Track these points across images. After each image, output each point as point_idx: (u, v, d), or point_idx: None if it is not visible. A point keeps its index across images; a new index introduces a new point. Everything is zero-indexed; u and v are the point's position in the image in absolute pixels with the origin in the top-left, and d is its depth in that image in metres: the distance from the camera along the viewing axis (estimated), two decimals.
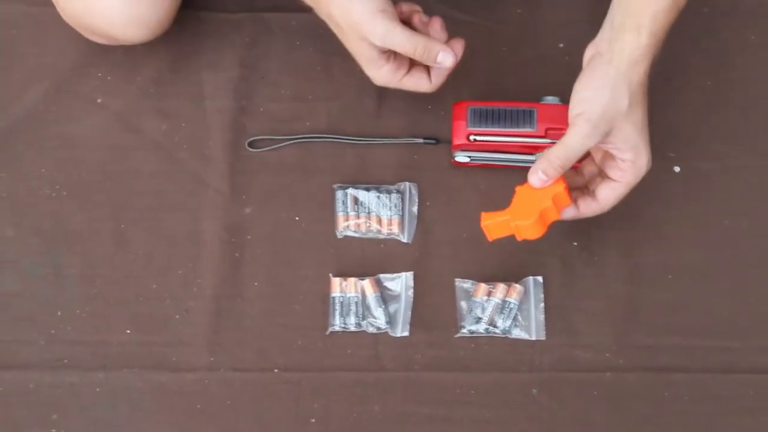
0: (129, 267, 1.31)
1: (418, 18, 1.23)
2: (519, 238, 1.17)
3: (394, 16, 1.16)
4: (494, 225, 1.18)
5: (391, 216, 1.31)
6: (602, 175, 1.19)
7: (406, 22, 1.22)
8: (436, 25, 1.22)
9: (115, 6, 1.27)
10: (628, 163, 1.15)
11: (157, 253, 1.32)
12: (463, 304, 1.27)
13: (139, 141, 1.37)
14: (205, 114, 1.38)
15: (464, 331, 1.26)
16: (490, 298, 1.26)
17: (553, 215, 1.16)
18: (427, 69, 1.22)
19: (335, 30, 1.20)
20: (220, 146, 1.36)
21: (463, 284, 1.28)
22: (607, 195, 1.18)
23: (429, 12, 1.30)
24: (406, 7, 1.23)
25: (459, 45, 1.21)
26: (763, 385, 1.25)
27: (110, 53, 1.38)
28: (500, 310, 1.26)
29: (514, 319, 1.26)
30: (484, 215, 1.18)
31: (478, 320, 1.26)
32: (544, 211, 1.15)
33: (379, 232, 1.31)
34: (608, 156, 1.17)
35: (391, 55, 1.19)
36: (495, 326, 1.26)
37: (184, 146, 1.36)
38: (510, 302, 1.26)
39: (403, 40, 1.16)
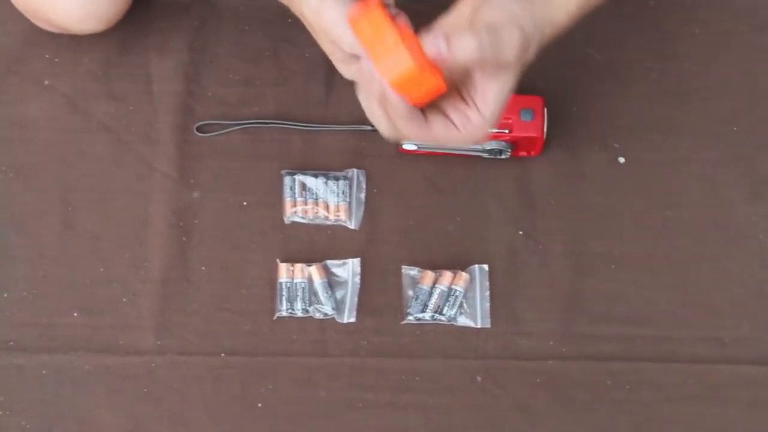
0: (76, 249, 1.31)
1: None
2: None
3: None
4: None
5: (338, 202, 1.33)
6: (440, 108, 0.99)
7: None
8: (402, 20, 1.24)
9: (74, 1, 1.28)
10: (481, 118, 0.96)
11: (104, 236, 1.32)
12: (410, 291, 1.29)
13: (87, 123, 1.37)
14: (153, 97, 1.38)
15: (410, 318, 1.28)
16: (436, 285, 1.28)
17: (432, 86, 0.92)
18: None
19: (307, 27, 1.21)
20: (168, 130, 1.37)
21: (409, 271, 1.30)
22: (439, 129, 0.97)
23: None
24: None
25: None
26: (701, 374, 1.27)
27: (57, 35, 1.38)
28: (446, 298, 1.28)
29: (460, 306, 1.28)
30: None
31: (425, 307, 1.28)
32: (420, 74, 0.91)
33: (326, 218, 1.33)
34: (459, 97, 0.98)
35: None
36: (441, 314, 1.28)
37: (131, 129, 1.37)
38: (456, 290, 1.28)
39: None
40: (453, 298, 1.28)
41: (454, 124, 0.97)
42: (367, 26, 0.92)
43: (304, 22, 1.20)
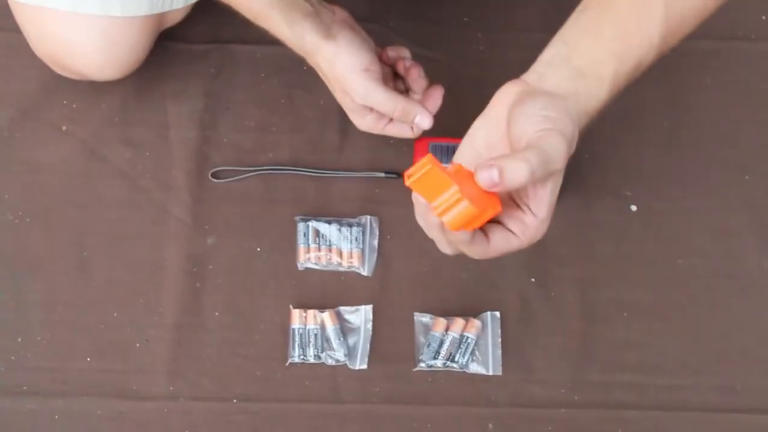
0: (91, 294, 1.32)
1: (402, 65, 1.27)
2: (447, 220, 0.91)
3: (377, 75, 1.20)
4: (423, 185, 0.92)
5: (351, 249, 1.33)
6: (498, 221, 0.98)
7: (392, 66, 1.27)
8: (414, 73, 1.26)
9: (95, 49, 1.29)
10: (537, 220, 0.95)
11: (119, 281, 1.33)
12: (422, 338, 1.29)
13: (103, 169, 1.38)
14: (169, 143, 1.39)
15: (422, 365, 1.28)
16: (448, 332, 1.29)
17: (488, 214, 0.93)
18: None
19: (323, 77, 1.23)
20: (183, 176, 1.38)
21: (421, 318, 1.30)
22: (500, 244, 0.96)
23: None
24: (392, 52, 1.28)
25: (438, 92, 1.25)
26: (713, 423, 1.27)
27: (76, 81, 1.39)
28: (458, 345, 1.28)
29: (472, 353, 1.28)
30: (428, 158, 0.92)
31: (436, 354, 1.28)
32: (486, 204, 0.92)
33: (339, 264, 1.33)
34: (514, 205, 0.97)
35: None
36: (453, 361, 1.28)
37: (147, 175, 1.38)
38: (468, 337, 1.28)
39: (382, 101, 1.20)
40: (465, 345, 1.28)
41: (513, 233, 0.97)
42: (424, 179, 0.90)
43: (319, 72, 1.23)
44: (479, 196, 0.90)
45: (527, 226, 0.96)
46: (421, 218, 1.00)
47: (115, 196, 1.37)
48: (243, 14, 1.20)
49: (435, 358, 1.28)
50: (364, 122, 1.26)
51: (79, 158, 1.39)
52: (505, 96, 1.00)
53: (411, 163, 1.32)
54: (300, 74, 1.38)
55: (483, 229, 0.96)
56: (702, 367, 1.30)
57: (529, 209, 0.95)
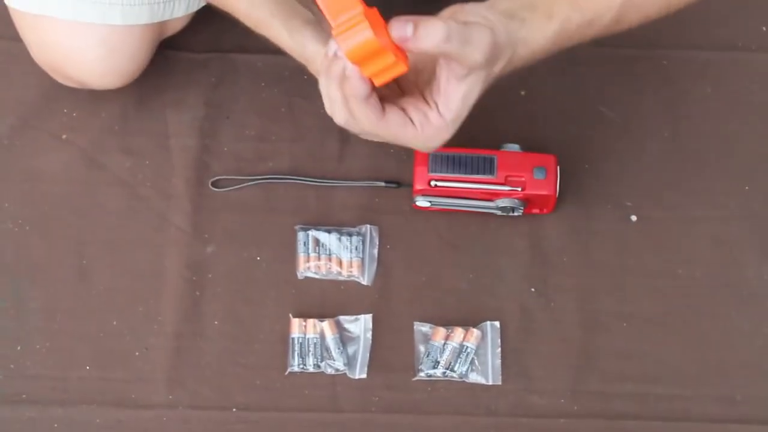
0: (90, 302, 1.32)
1: None
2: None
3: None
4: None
5: (351, 258, 1.33)
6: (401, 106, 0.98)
7: None
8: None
9: (94, 58, 1.30)
10: (441, 120, 0.96)
11: (118, 290, 1.32)
12: (421, 347, 1.29)
13: (103, 177, 1.38)
14: (169, 152, 1.39)
15: (422, 374, 1.28)
16: (448, 342, 1.28)
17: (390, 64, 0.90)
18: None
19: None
20: (183, 184, 1.38)
21: (421, 327, 1.30)
22: (395, 124, 0.96)
23: None
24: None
25: None
26: None
27: (76, 90, 1.39)
28: (457, 354, 1.28)
29: (471, 363, 1.28)
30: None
31: (436, 364, 1.28)
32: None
33: (339, 273, 1.33)
34: (422, 99, 0.98)
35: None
36: (452, 370, 1.28)
37: (147, 183, 1.38)
38: (467, 346, 1.28)
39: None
40: (464, 354, 1.28)
41: (412, 121, 0.96)
42: (335, 2, 0.87)
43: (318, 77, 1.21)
44: (385, 41, 0.87)
45: (429, 121, 0.95)
46: (323, 77, 0.96)
47: (115, 205, 1.37)
48: (243, 22, 1.20)
49: (434, 367, 1.28)
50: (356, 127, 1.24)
51: (79, 166, 1.38)
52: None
53: (411, 172, 1.32)
54: (300, 83, 1.40)
55: (381, 103, 0.94)
56: (702, 377, 1.29)
57: (437, 106, 0.95)
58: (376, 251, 1.35)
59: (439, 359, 1.28)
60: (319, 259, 1.33)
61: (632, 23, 1.07)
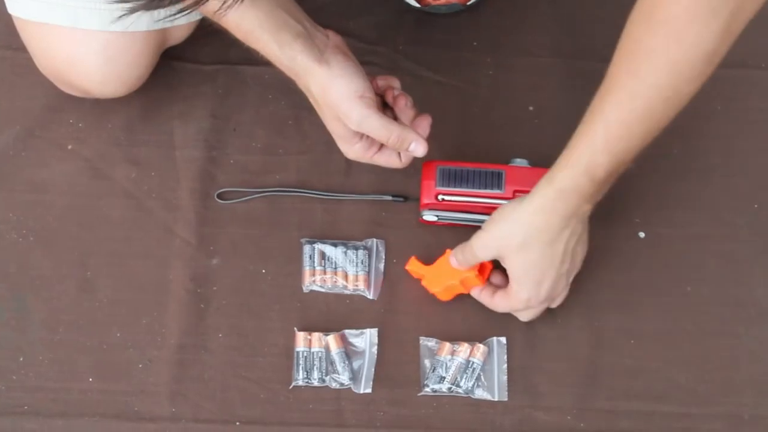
0: (93, 314, 1.32)
1: (390, 94, 1.27)
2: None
3: (371, 102, 1.20)
4: (414, 273, 1.32)
5: (357, 272, 1.34)
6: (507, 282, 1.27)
7: (381, 96, 1.27)
8: (401, 102, 1.26)
9: (94, 64, 1.30)
10: (512, 290, 1.24)
11: (122, 301, 1.33)
12: (427, 362, 1.29)
13: (108, 188, 1.39)
14: (174, 163, 1.40)
15: (427, 389, 1.28)
16: (454, 357, 1.28)
17: (460, 290, 1.30)
18: None
19: (312, 102, 1.23)
20: (188, 196, 1.38)
21: (427, 342, 1.30)
22: (498, 301, 1.28)
23: (399, 70, 1.36)
24: (381, 82, 1.28)
25: (426, 122, 1.26)
26: None
27: (82, 100, 1.40)
28: (464, 370, 1.28)
29: (477, 379, 1.28)
30: (412, 261, 1.31)
31: (442, 379, 1.27)
32: (450, 287, 1.29)
33: (345, 287, 1.33)
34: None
35: (365, 134, 1.23)
36: (458, 386, 1.27)
37: (152, 195, 1.38)
38: (473, 362, 1.28)
39: (378, 128, 1.20)
40: (470, 370, 1.28)
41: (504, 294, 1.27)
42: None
43: (308, 96, 1.22)
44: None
45: (509, 293, 1.26)
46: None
47: (119, 216, 1.37)
48: (233, 34, 1.20)
49: (440, 382, 1.28)
50: (352, 150, 1.26)
51: (84, 177, 1.39)
52: None
53: (418, 186, 1.33)
54: (307, 96, 1.39)
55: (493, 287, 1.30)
56: (710, 396, 1.29)
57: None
58: (382, 265, 1.35)
59: (444, 375, 1.28)
60: (324, 272, 1.33)
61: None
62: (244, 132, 1.41)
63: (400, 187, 1.39)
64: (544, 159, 1.30)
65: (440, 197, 1.32)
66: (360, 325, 1.32)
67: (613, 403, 1.29)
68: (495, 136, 1.43)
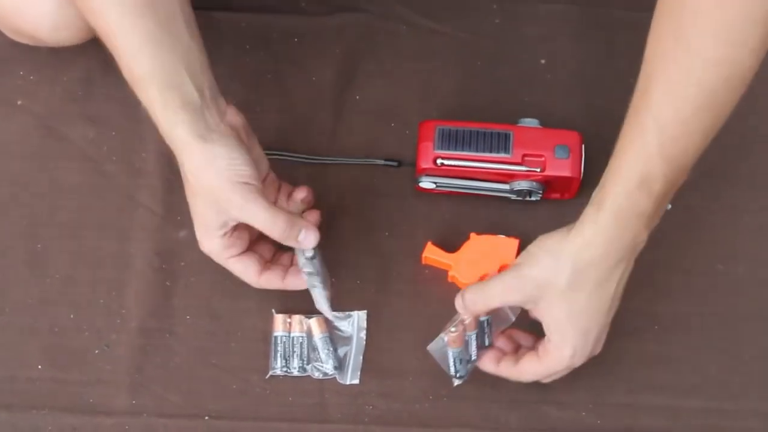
0: (44, 292, 1.28)
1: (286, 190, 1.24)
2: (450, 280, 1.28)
3: (256, 189, 1.14)
4: (433, 261, 1.28)
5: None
6: (535, 340, 1.18)
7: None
8: (300, 195, 1.23)
9: (44, 7, 1.25)
10: (551, 345, 1.12)
11: (76, 278, 1.29)
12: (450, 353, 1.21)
13: (63, 150, 1.35)
14: (139, 122, 1.35)
15: (458, 382, 1.21)
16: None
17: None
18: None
19: (183, 181, 1.16)
20: (154, 159, 1.34)
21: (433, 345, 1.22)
22: (527, 367, 1.16)
23: (393, 18, 1.39)
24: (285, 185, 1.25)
25: (316, 215, 1.23)
26: None
27: (33, 49, 1.37)
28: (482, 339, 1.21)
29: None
30: (429, 247, 1.27)
31: (470, 360, 1.20)
32: (484, 276, 1.22)
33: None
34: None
35: (233, 231, 1.16)
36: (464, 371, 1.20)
37: (113, 157, 1.35)
38: (485, 320, 1.19)
39: (263, 215, 1.13)
40: (488, 329, 1.20)
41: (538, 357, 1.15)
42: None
43: (182, 175, 1.14)
44: None
45: (546, 351, 1.14)
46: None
47: (74, 181, 1.33)
48: (122, 72, 1.13)
49: (469, 362, 1.20)
50: (210, 244, 1.18)
51: (34, 137, 1.36)
52: None
53: (414, 149, 1.29)
54: (290, 47, 1.38)
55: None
56: (744, 389, 1.25)
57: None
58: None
59: (471, 355, 1.21)
60: None
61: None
62: (218, 86, 1.33)
63: (394, 150, 1.36)
64: (556, 119, 1.30)
65: (439, 161, 1.27)
66: (346, 307, 1.27)
67: (634, 397, 1.25)
68: (501, 92, 1.40)
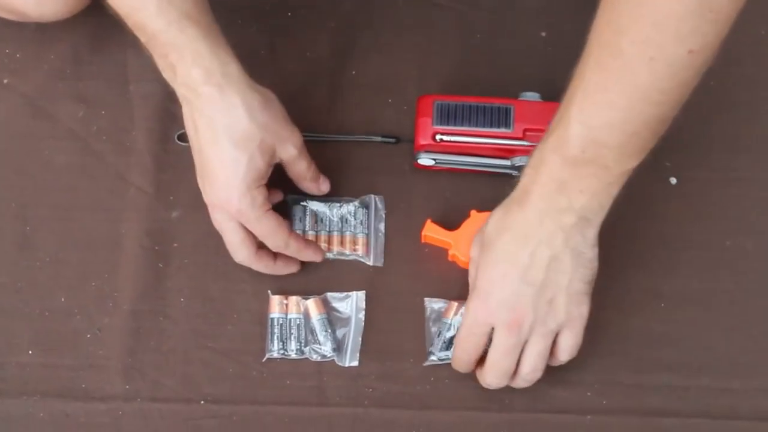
0: (34, 276, 1.27)
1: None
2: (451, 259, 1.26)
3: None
4: (433, 240, 1.26)
5: (356, 234, 1.28)
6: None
7: None
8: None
9: None
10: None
11: (67, 261, 1.28)
12: (432, 326, 1.23)
13: (51, 129, 1.34)
14: (128, 100, 1.35)
15: (433, 358, 1.22)
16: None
17: None
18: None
19: (197, 126, 1.15)
20: (144, 138, 1.33)
21: (433, 304, 1.24)
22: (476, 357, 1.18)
23: None
24: None
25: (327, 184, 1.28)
26: None
27: (19, 26, 1.36)
28: None
29: None
30: (428, 225, 1.26)
31: (450, 345, 1.21)
32: None
33: (341, 254, 1.28)
34: None
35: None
36: None
37: (103, 137, 1.34)
38: None
39: (308, 155, 1.21)
40: None
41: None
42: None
43: (202, 115, 1.15)
44: None
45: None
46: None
47: (64, 161, 1.32)
48: (139, 28, 1.13)
49: (448, 348, 1.21)
50: (246, 196, 1.16)
51: (22, 117, 1.35)
52: None
53: (412, 125, 1.29)
54: (284, 20, 1.38)
55: None
56: (754, 368, 1.24)
57: None
58: (382, 225, 1.30)
59: (452, 340, 1.22)
60: (317, 237, 1.28)
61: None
62: None
63: (392, 126, 1.34)
64: (558, 92, 1.24)
65: (438, 137, 1.26)
66: (345, 287, 1.27)
67: (641, 377, 1.24)
68: (502, 66, 1.39)
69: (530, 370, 1.12)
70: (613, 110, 1.01)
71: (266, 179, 1.15)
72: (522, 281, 1.08)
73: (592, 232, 1.09)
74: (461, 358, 1.15)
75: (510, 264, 1.09)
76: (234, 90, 1.11)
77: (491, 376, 1.14)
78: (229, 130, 1.12)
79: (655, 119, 1.03)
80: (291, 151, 1.17)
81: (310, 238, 1.27)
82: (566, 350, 1.13)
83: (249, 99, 1.12)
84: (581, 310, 1.11)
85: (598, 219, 1.08)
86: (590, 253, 1.10)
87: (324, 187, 1.25)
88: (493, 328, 1.11)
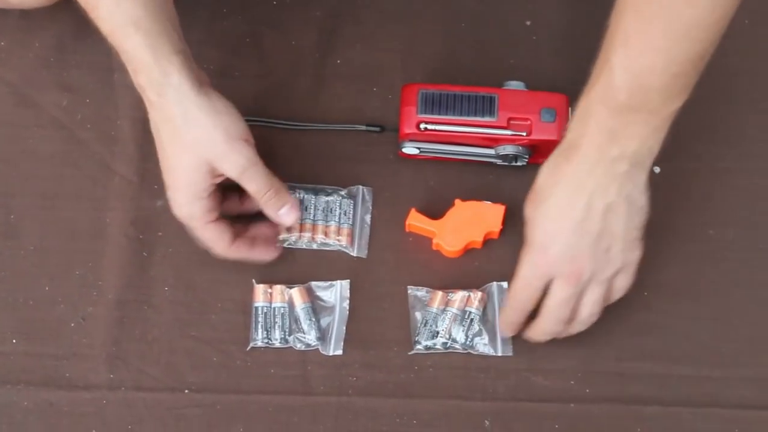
0: (17, 264, 1.27)
1: None
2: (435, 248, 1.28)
3: (254, 149, 1.16)
4: (417, 229, 1.27)
5: (340, 225, 1.28)
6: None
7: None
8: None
9: None
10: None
11: (51, 249, 1.28)
12: (418, 315, 1.24)
13: (35, 117, 1.34)
14: (113, 88, 1.35)
15: (419, 347, 1.23)
16: (448, 308, 1.23)
17: (476, 244, 1.28)
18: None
19: (162, 139, 1.15)
20: (129, 126, 1.32)
21: (416, 292, 1.25)
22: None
23: None
24: None
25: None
26: (747, 421, 1.23)
27: (4, 15, 1.35)
28: (459, 322, 1.23)
29: (477, 334, 1.23)
30: (412, 214, 1.27)
31: (435, 334, 1.22)
32: (470, 243, 1.26)
33: (324, 243, 1.28)
34: None
35: (213, 193, 1.16)
36: (454, 341, 1.22)
37: (87, 125, 1.33)
38: (470, 312, 1.23)
39: (263, 177, 1.17)
40: (467, 321, 1.22)
41: None
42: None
43: (161, 131, 1.15)
44: None
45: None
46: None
47: (48, 150, 1.32)
48: (97, 25, 1.11)
49: (434, 338, 1.22)
50: (196, 206, 1.16)
51: (6, 105, 1.34)
52: None
53: (397, 114, 1.28)
54: (268, 9, 1.37)
55: None
56: (735, 357, 1.25)
57: None
58: (368, 217, 1.30)
59: (438, 329, 1.23)
60: (302, 226, 1.27)
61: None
62: (194, 51, 1.31)
63: (377, 115, 1.34)
64: (542, 81, 1.29)
65: (423, 126, 1.26)
66: (329, 276, 1.27)
67: (624, 365, 1.25)
68: (486, 55, 1.39)
69: (588, 315, 1.16)
70: (656, 53, 1.03)
71: (209, 191, 1.14)
72: (579, 232, 1.11)
73: (642, 178, 1.12)
74: (517, 309, 1.17)
75: (566, 216, 1.11)
76: (173, 101, 1.10)
77: (549, 324, 1.16)
78: (170, 139, 1.12)
79: (698, 56, 1.04)
80: (231, 170, 1.13)
81: (293, 228, 1.27)
82: (620, 290, 1.16)
83: (188, 112, 1.10)
84: (636, 255, 1.15)
85: (648, 164, 1.11)
86: (642, 199, 1.13)
87: (287, 218, 1.20)
88: (550, 280, 1.13)
